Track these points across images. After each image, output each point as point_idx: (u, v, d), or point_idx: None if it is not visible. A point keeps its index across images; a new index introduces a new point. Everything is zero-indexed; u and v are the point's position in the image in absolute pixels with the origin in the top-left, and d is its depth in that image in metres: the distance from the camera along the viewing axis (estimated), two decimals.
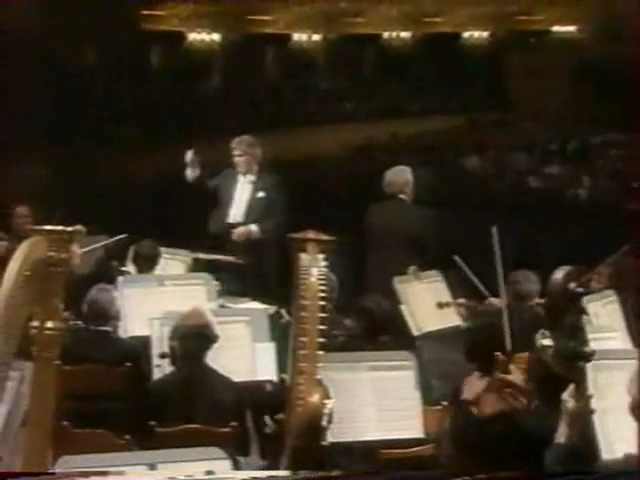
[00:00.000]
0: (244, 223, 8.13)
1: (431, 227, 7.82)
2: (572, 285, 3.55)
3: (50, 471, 3.48)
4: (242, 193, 8.22)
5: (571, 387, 3.44)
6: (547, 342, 3.58)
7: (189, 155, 8.18)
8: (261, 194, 8.16)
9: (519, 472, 2.79)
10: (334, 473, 3.47)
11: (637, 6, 14.79)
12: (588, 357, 3.46)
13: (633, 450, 3.36)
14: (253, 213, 8.14)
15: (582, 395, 3.43)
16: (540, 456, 3.21)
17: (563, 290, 3.57)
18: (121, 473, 3.53)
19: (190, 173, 8.23)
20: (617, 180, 17.24)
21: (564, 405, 3.44)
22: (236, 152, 8.21)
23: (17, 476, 3.44)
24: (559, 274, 3.62)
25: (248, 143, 8.29)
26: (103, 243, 7.59)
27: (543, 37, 22.77)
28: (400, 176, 8.03)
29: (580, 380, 3.43)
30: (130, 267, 7.39)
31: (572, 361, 3.43)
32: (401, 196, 7.94)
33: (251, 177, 8.22)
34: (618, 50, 21.30)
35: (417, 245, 7.63)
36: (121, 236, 7.66)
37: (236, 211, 8.19)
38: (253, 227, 8.03)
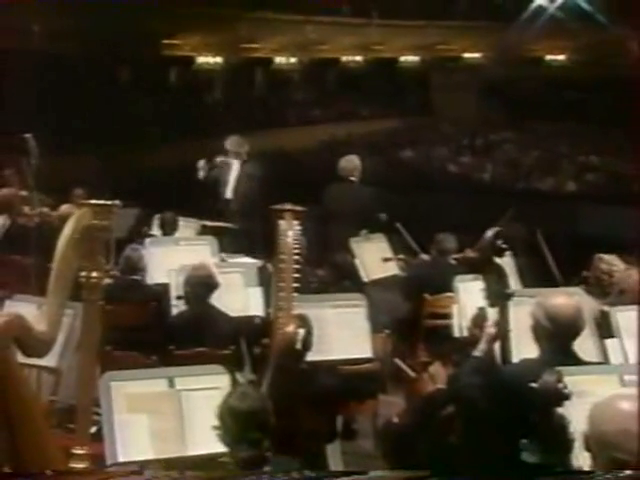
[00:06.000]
0: (235, 198, 8.08)
1: (374, 201, 7.74)
2: (499, 242, 3.52)
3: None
4: (232, 177, 8.17)
5: (494, 317, 3.45)
6: (472, 285, 3.57)
7: (201, 164, 8.15)
8: (245, 171, 8.11)
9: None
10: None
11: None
12: (510, 296, 3.49)
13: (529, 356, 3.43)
14: (240, 188, 8.10)
15: (504, 322, 3.43)
16: None
17: (492, 245, 3.52)
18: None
19: (201, 174, 8.16)
20: (510, 167, 17.33)
21: (485, 329, 3.44)
22: (229, 147, 8.17)
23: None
24: (490, 232, 3.57)
25: (237, 141, 8.23)
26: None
27: (457, 61, 22.75)
28: (350, 163, 7.94)
29: (503, 312, 3.45)
30: (156, 231, 7.33)
31: (499, 299, 3.44)
32: (351, 178, 7.86)
33: (240, 163, 8.16)
34: (512, 72, 21.36)
35: (364, 214, 7.57)
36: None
37: (230, 190, 8.17)
38: None
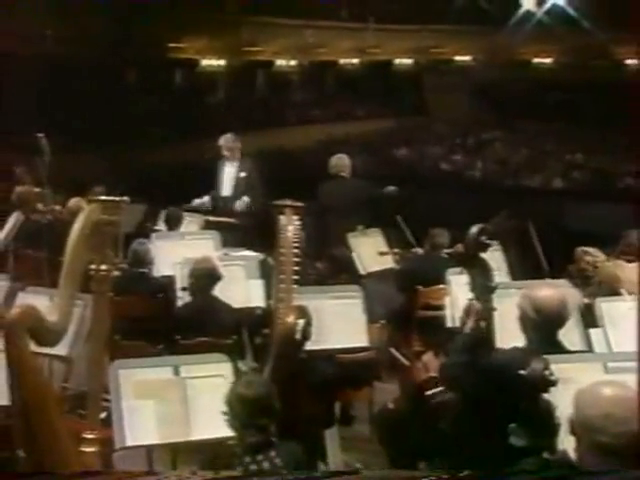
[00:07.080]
0: (232, 196, 7.98)
1: (365, 194, 7.71)
2: (483, 237, 3.51)
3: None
4: (229, 175, 8.04)
5: (476, 305, 3.45)
6: (464, 278, 3.55)
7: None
8: (242, 174, 7.98)
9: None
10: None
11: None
12: (494, 290, 3.49)
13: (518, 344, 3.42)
14: (238, 188, 8.00)
15: (488, 314, 3.43)
16: None
17: (476, 241, 3.52)
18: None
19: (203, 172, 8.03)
20: (499, 164, 17.35)
21: (472, 308, 3.44)
22: (223, 146, 8.01)
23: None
24: (474, 229, 3.56)
25: (232, 139, 8.05)
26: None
27: (449, 64, 22.76)
28: (341, 160, 7.91)
29: (487, 304, 3.44)
30: (162, 226, 7.30)
31: (483, 293, 3.44)
32: (342, 174, 7.84)
33: (235, 163, 8.00)
34: (502, 74, 21.38)
35: (357, 207, 7.55)
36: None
37: (226, 188, 8.05)
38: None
